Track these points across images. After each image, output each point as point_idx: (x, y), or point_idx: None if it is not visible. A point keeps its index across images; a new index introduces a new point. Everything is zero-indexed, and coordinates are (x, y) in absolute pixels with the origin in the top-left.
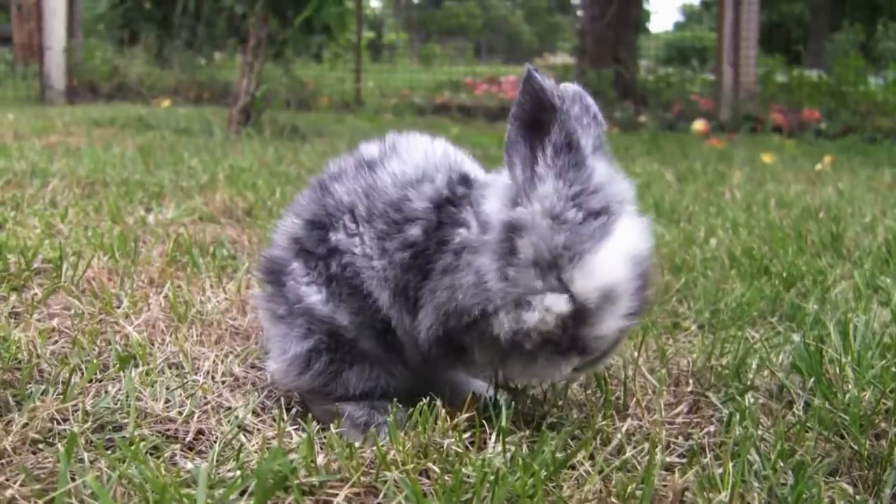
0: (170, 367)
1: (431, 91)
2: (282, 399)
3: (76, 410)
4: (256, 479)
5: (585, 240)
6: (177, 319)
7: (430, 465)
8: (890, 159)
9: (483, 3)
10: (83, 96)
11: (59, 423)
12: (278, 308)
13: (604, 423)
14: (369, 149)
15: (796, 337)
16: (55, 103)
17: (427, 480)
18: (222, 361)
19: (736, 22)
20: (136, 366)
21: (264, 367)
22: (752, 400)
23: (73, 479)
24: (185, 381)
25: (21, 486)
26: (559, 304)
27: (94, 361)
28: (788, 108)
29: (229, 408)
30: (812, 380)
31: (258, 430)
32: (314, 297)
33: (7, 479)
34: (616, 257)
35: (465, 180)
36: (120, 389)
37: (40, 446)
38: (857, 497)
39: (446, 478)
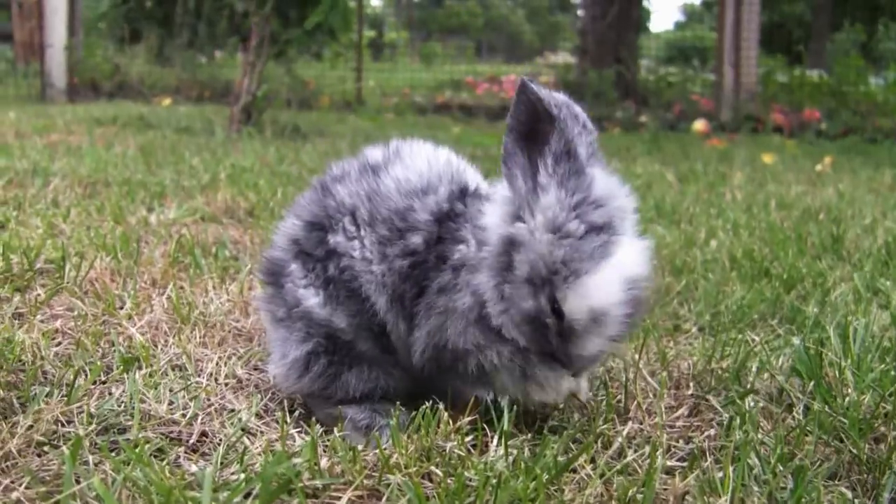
0: (173, 369)
1: (432, 90)
2: (285, 401)
3: (80, 413)
4: (261, 482)
5: (585, 258)
6: (180, 321)
7: (432, 468)
8: (890, 160)
9: (484, 2)
10: (84, 95)
11: (63, 426)
12: (278, 311)
13: (605, 426)
14: (373, 153)
15: (796, 340)
16: (56, 102)
17: (430, 484)
18: (225, 363)
19: (737, 22)
20: (140, 368)
21: (266, 369)
22: (752, 403)
23: (78, 482)
24: (189, 383)
25: (26, 488)
26: (569, 383)
27: (98, 363)
28: (789, 109)
29: (232, 410)
30: (812, 383)
31: (261, 432)
32: (312, 299)
33: (12, 482)
34: (612, 282)
35: (466, 194)
36: (124, 391)
37: (45, 449)
38: (856, 501)
39: (449, 481)
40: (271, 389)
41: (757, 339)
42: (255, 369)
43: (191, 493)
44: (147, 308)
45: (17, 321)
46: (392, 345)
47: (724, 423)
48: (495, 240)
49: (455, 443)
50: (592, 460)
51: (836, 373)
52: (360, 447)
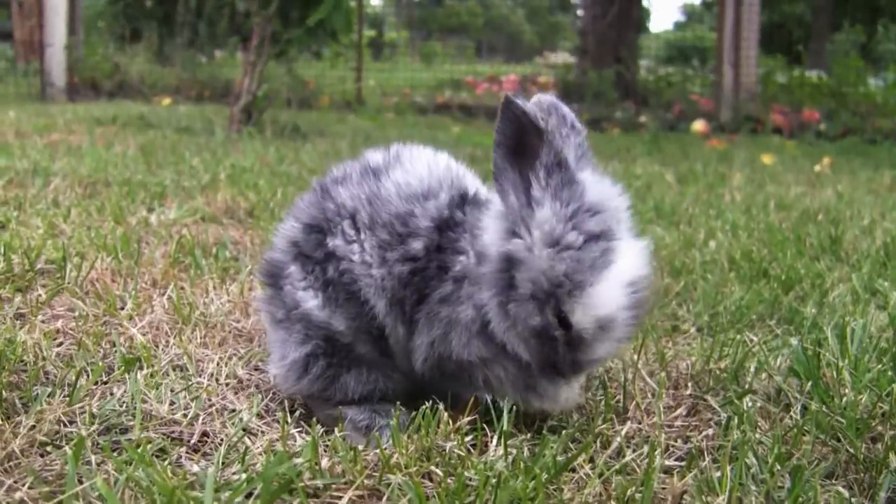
0: (174, 370)
1: (432, 90)
2: (285, 402)
3: (83, 413)
4: (262, 482)
5: (586, 269)
6: (180, 321)
7: (432, 468)
8: (890, 161)
9: (484, 2)
10: (84, 94)
11: (65, 426)
12: (277, 312)
13: (604, 426)
14: (374, 156)
15: (794, 341)
16: (56, 101)
17: (430, 483)
18: (226, 364)
19: (737, 22)
20: (141, 368)
21: (267, 369)
22: (750, 403)
23: (81, 482)
24: (190, 383)
25: (29, 488)
26: (569, 393)
27: (100, 364)
28: (789, 109)
29: (233, 410)
30: (809, 383)
31: (262, 432)
32: (311, 302)
33: (16, 482)
34: (616, 289)
35: (466, 201)
36: (125, 392)
37: (48, 449)
38: (853, 500)
39: (449, 481)
40: (272, 390)
41: (755, 339)
42: (256, 370)
43: (193, 493)
44: (148, 308)
45: (18, 321)
46: (390, 348)
47: (723, 422)
48: (494, 258)
49: (455, 443)
50: (591, 460)
51: (834, 373)
52: (360, 447)
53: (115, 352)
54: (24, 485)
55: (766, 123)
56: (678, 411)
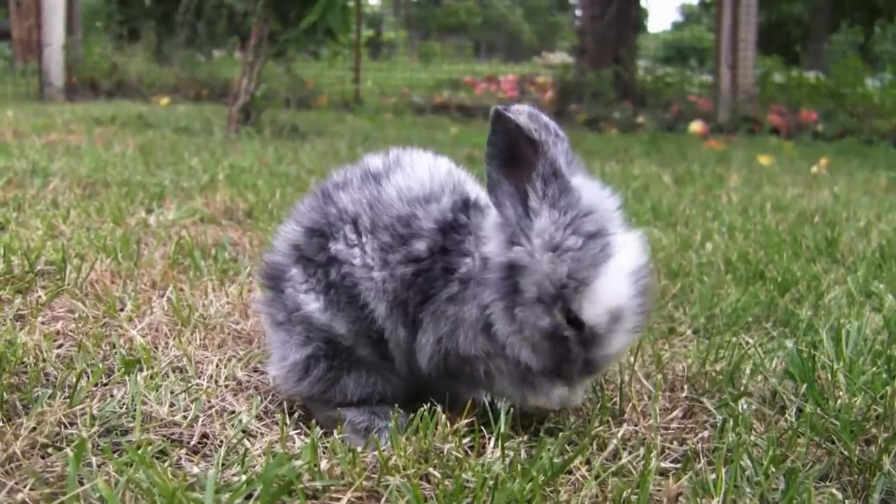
0: (174, 371)
1: (431, 90)
2: (284, 404)
3: (83, 415)
4: (262, 484)
5: (588, 266)
6: (180, 323)
7: (430, 469)
8: (886, 162)
9: (482, 1)
10: (82, 93)
11: (66, 428)
12: (278, 314)
13: (600, 428)
14: (374, 161)
15: (789, 343)
16: (54, 100)
17: (428, 485)
18: (225, 365)
19: (734, 24)
20: (141, 370)
21: (266, 371)
22: (745, 406)
23: (82, 484)
24: (189, 385)
25: (31, 490)
26: (566, 399)
27: (100, 366)
28: (787, 110)
29: (233, 412)
30: (805, 386)
31: (261, 434)
32: (312, 304)
33: (17, 483)
34: (620, 279)
35: (467, 206)
36: (125, 393)
37: (49, 450)
38: (847, 502)
39: (447, 483)
40: (271, 391)
41: (751, 341)
42: (255, 371)
43: (193, 495)
44: (147, 310)
45: (18, 323)
46: (390, 352)
47: (718, 425)
48: (497, 266)
49: (453, 445)
50: (588, 462)
51: (829, 375)
52: (359, 449)
53: (115, 353)
54: (25, 486)
55: (764, 124)
56: (674, 413)
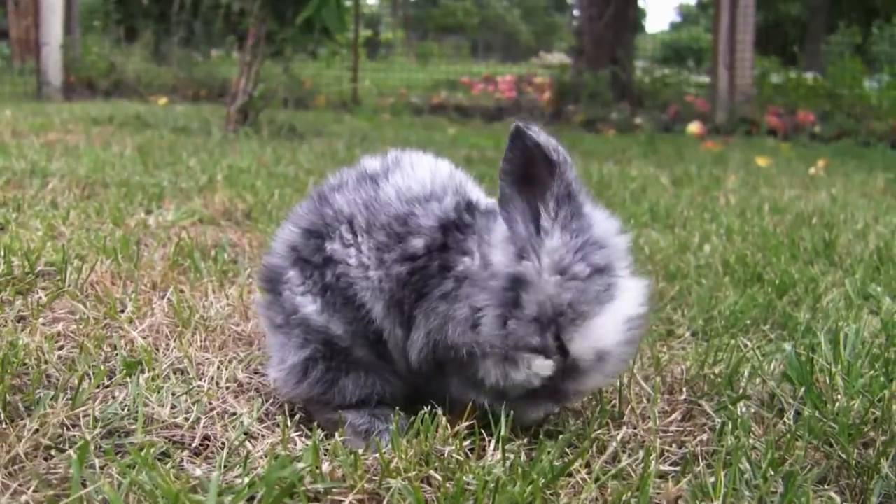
0: (175, 373)
1: (428, 90)
2: (285, 405)
3: (86, 416)
4: (265, 486)
5: (591, 300)
6: (180, 325)
7: (431, 472)
8: (883, 163)
9: (479, 1)
10: (80, 93)
11: (68, 429)
12: (276, 317)
13: (600, 431)
14: (371, 163)
15: (788, 346)
16: (52, 100)
17: (429, 488)
18: (226, 367)
19: (732, 25)
20: (142, 372)
21: (266, 373)
22: (744, 409)
23: (85, 486)
24: (191, 386)
25: (34, 491)
26: (545, 368)
27: (102, 367)
28: (784, 111)
29: (234, 414)
30: (803, 389)
31: (263, 436)
32: (309, 307)
33: (20, 485)
34: (616, 324)
35: (471, 207)
36: (127, 395)
37: (52, 452)
38: None
39: (448, 485)
40: (272, 393)
41: (749, 344)
42: (256, 373)
43: (196, 497)
44: (148, 312)
45: (19, 324)
46: (388, 352)
47: (717, 428)
48: (503, 276)
49: (453, 447)
50: (587, 465)
51: (827, 378)
52: (360, 451)
53: (117, 355)
54: (29, 488)
55: (762, 125)
56: (673, 416)
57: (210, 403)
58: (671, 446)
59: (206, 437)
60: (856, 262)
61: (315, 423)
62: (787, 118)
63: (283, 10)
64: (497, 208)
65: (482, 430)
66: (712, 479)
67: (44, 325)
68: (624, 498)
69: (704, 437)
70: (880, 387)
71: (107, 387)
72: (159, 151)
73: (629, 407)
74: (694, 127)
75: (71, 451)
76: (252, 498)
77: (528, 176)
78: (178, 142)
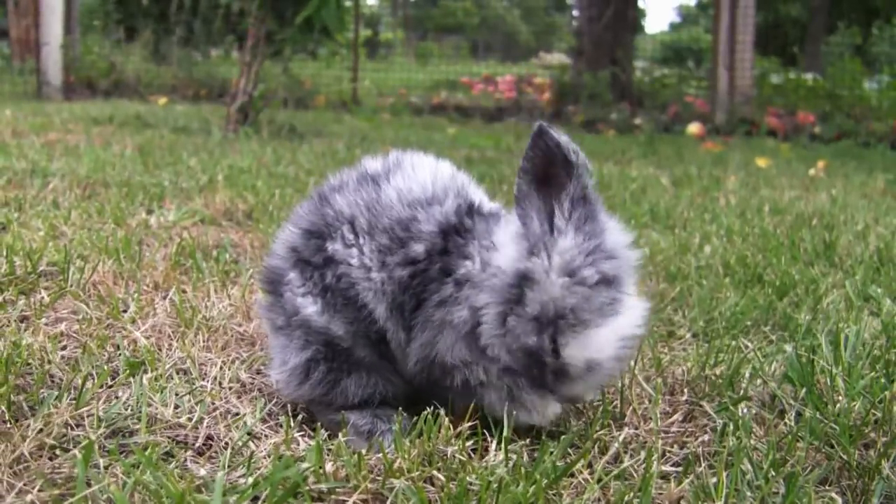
0: (178, 373)
1: (428, 90)
2: (288, 406)
3: (90, 416)
4: (269, 486)
5: (594, 310)
6: (183, 325)
7: (434, 472)
8: (883, 164)
9: (479, 1)
10: (80, 93)
11: (72, 429)
12: (277, 318)
13: (602, 432)
14: (372, 163)
15: (788, 347)
16: (52, 99)
17: (432, 488)
18: (229, 367)
19: (732, 26)
20: (146, 372)
21: (269, 374)
22: (745, 410)
23: (90, 485)
24: (194, 387)
25: (39, 491)
26: (555, 408)
27: (105, 367)
28: (784, 112)
29: (237, 414)
30: (804, 390)
31: (266, 436)
32: (310, 308)
33: (25, 485)
34: (613, 339)
35: (472, 211)
36: (130, 395)
37: (56, 452)
38: None
39: (451, 485)
40: (274, 394)
41: (750, 345)
42: (259, 373)
43: (201, 497)
44: (150, 312)
45: (22, 324)
46: (390, 352)
47: (718, 428)
48: (509, 272)
49: (456, 448)
50: (590, 465)
51: (828, 380)
52: (363, 452)
53: (120, 355)
54: (34, 487)
55: (761, 126)
56: (674, 417)
57: (213, 403)
58: (673, 447)
59: (209, 437)
60: (856, 263)
61: (318, 424)
62: (786, 119)
63: (282, 10)
64: (499, 211)
65: (485, 431)
66: (714, 480)
67: (47, 324)
68: (626, 498)
69: (706, 437)
70: (881, 388)
71: (110, 387)
72: (159, 151)
73: (631, 408)
74: (694, 127)
75: (75, 451)
76: (256, 498)
77: (547, 175)
78: (178, 142)
